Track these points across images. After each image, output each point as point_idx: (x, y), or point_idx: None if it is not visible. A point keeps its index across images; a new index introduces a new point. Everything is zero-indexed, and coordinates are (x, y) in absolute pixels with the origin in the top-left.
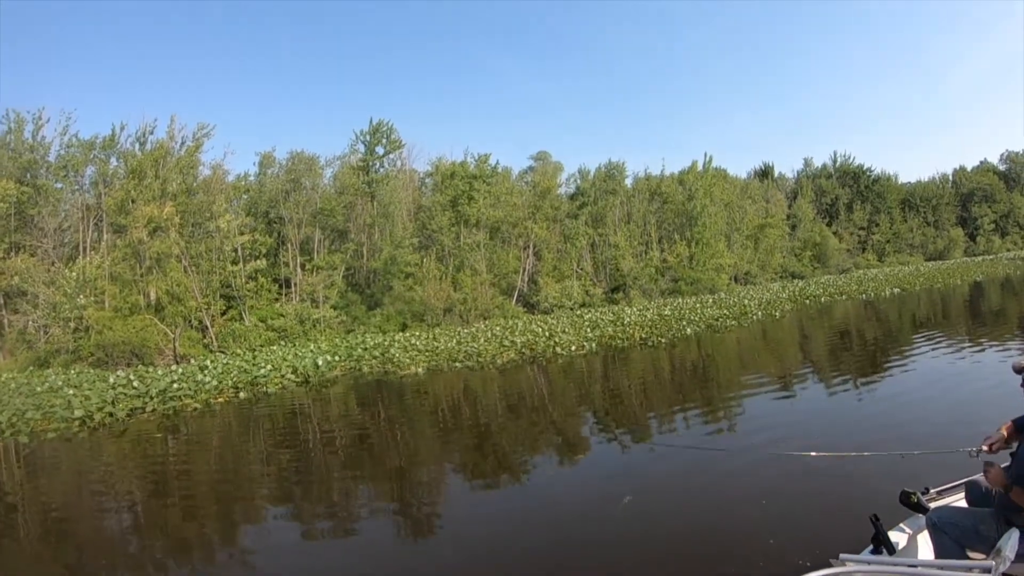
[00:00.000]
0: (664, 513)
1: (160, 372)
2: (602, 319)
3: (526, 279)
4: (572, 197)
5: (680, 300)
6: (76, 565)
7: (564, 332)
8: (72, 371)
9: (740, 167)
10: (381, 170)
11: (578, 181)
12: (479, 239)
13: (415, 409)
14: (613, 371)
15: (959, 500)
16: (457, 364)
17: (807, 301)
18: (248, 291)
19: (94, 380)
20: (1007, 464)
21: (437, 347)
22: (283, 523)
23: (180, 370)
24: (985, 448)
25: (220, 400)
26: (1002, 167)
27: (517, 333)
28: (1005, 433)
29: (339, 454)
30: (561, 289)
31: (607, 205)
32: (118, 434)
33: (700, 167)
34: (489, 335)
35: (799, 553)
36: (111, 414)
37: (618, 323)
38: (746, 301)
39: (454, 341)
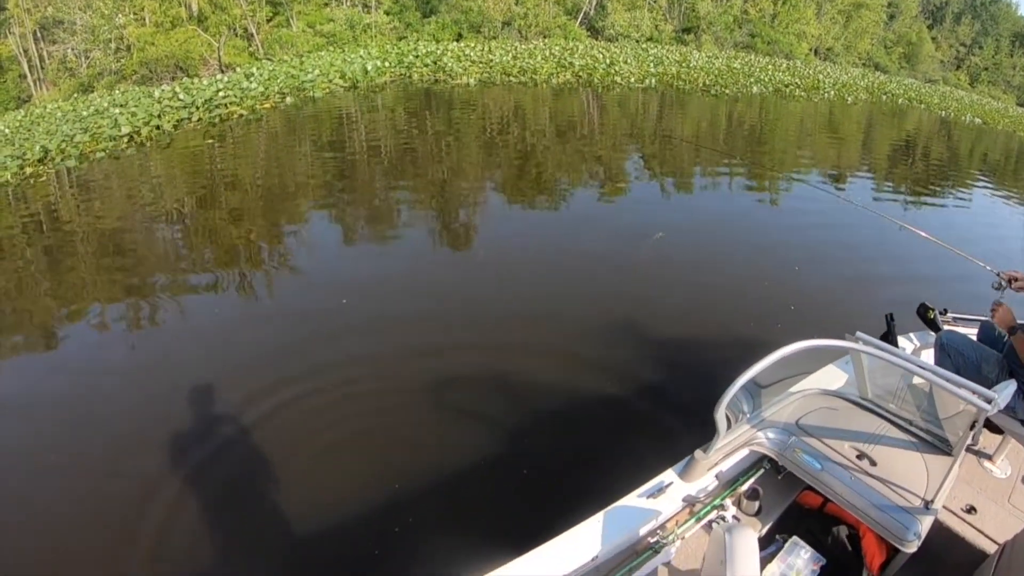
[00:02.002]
0: (692, 258)
1: (205, 82)
2: (668, 57)
3: (594, 3)
4: None
5: (753, 57)
6: (131, 274)
7: (626, 63)
8: (117, 91)
9: None
10: None
11: None
12: None
13: (463, 122)
14: (669, 112)
15: (971, 334)
16: (510, 79)
17: (883, 96)
18: None
19: (139, 97)
20: None
21: (492, 60)
22: (326, 229)
23: (225, 79)
24: (1005, 278)
25: (266, 106)
26: None
27: (577, 56)
28: None
29: (383, 162)
30: (630, 19)
31: None
32: (165, 146)
33: None
34: (547, 54)
35: (814, 327)
36: (158, 127)
37: (684, 64)
38: (821, 76)
39: (510, 56)
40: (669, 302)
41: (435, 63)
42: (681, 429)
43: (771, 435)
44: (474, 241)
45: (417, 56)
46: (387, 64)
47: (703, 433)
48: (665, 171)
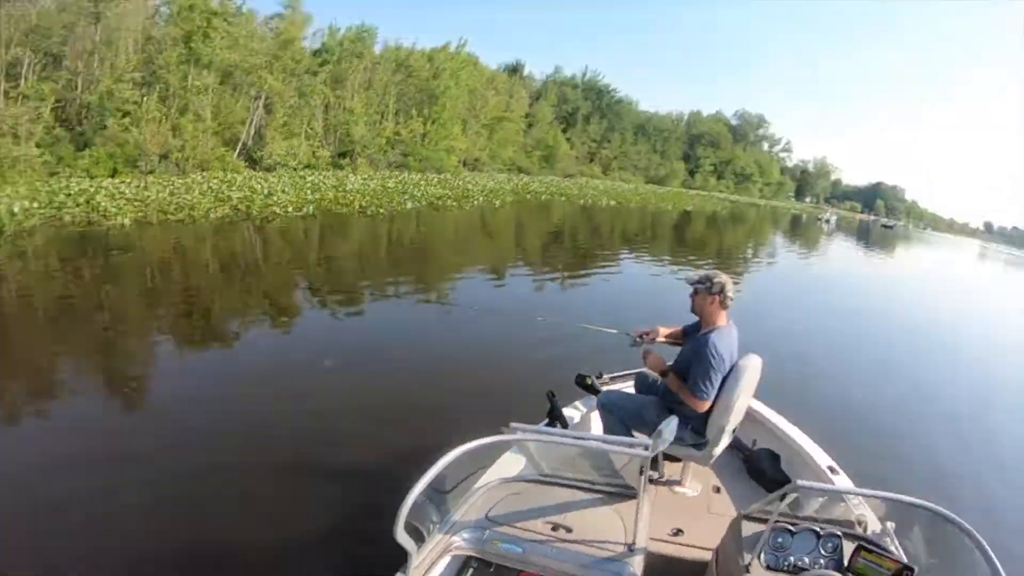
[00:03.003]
0: (363, 378)
1: None
2: (325, 183)
3: (252, 132)
4: (315, 53)
5: (407, 174)
6: None
7: (284, 192)
8: None
9: (493, 59)
10: None
11: (325, 38)
12: (209, 82)
13: (123, 267)
14: (331, 237)
15: (629, 388)
16: (168, 216)
17: (528, 196)
18: None
19: None
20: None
21: (148, 196)
22: None
23: None
24: (636, 335)
25: None
26: (734, 122)
27: (235, 188)
28: (663, 332)
29: (38, 320)
30: (288, 147)
31: (350, 68)
32: None
33: (453, 48)
34: (205, 188)
35: (486, 423)
36: None
37: (340, 189)
38: (470, 185)
39: (167, 191)
40: (341, 431)
41: (88, 202)
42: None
43: (467, 535)
44: (146, 399)
45: (69, 195)
46: (36, 204)
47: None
48: (333, 297)
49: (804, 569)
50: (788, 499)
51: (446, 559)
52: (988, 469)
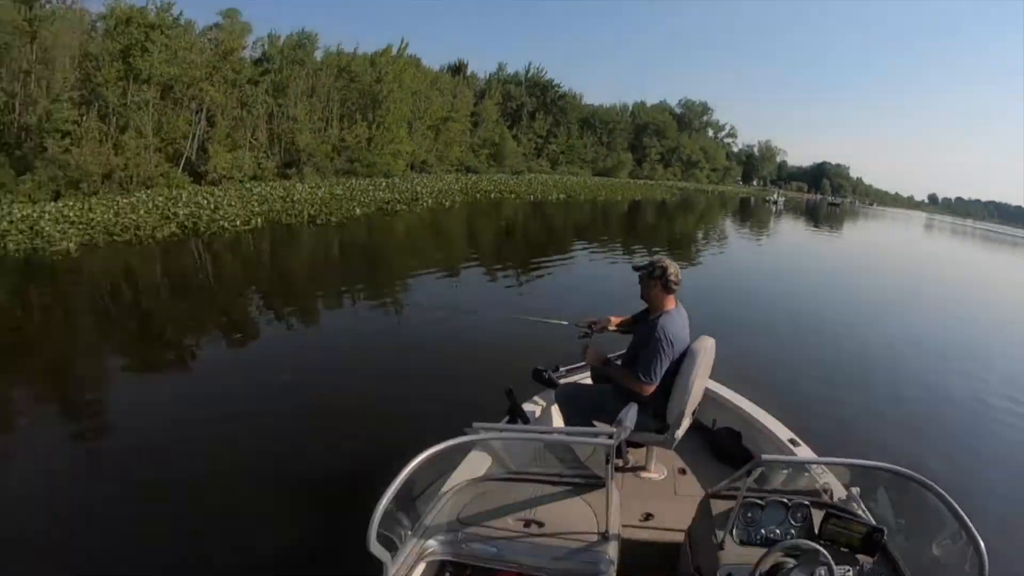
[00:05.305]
0: (323, 388)
1: None
2: (272, 194)
3: (195, 146)
4: (256, 62)
5: (354, 181)
6: None
7: (231, 205)
8: None
9: (435, 60)
10: (48, 4)
11: (265, 46)
12: (148, 97)
13: (72, 293)
14: (281, 249)
15: (586, 378)
16: (115, 238)
17: (478, 195)
18: None
19: None
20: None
21: (92, 219)
22: None
23: None
24: (584, 325)
25: None
26: (678, 110)
27: (180, 204)
28: (614, 321)
29: None
30: (232, 159)
31: (292, 75)
32: None
33: (395, 51)
34: (151, 206)
35: (448, 424)
36: None
37: (288, 199)
38: (419, 188)
39: (111, 212)
40: (305, 445)
41: (32, 228)
42: None
43: (439, 539)
44: (106, 426)
45: (12, 222)
46: None
47: None
48: (288, 309)
49: (776, 541)
50: (755, 474)
51: (421, 566)
52: (943, 431)
